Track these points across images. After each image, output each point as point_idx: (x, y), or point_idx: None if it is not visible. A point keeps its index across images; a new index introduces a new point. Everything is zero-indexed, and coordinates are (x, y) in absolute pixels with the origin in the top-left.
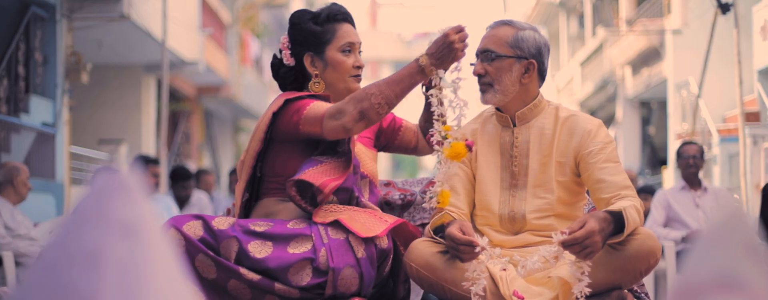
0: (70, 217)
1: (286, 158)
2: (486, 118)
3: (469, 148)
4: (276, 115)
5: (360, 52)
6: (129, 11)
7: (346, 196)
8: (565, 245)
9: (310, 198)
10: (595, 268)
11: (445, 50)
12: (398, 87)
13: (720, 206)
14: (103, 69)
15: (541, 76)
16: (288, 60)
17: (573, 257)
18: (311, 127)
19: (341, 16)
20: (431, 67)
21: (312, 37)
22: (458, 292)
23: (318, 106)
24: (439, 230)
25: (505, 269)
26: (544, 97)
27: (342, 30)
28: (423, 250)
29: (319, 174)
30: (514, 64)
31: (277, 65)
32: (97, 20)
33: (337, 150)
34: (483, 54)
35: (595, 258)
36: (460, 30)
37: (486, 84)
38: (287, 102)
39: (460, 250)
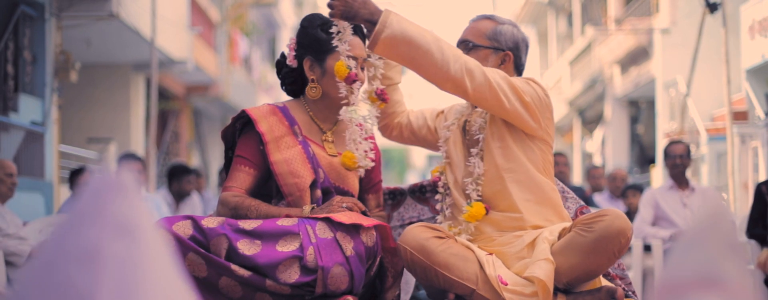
0: (68, 216)
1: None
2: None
3: (487, 210)
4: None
5: (363, 68)
6: (118, 10)
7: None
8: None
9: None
10: (568, 253)
11: (325, 209)
12: (270, 215)
13: (702, 206)
14: (92, 68)
15: (518, 70)
16: (291, 61)
17: (544, 251)
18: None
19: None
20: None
21: (316, 43)
22: (450, 277)
23: (229, 181)
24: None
25: (491, 253)
26: None
27: (349, 42)
28: (418, 234)
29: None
30: (491, 55)
31: (281, 64)
32: (86, 19)
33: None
34: (461, 44)
35: (566, 244)
36: (347, 202)
37: None
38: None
39: None
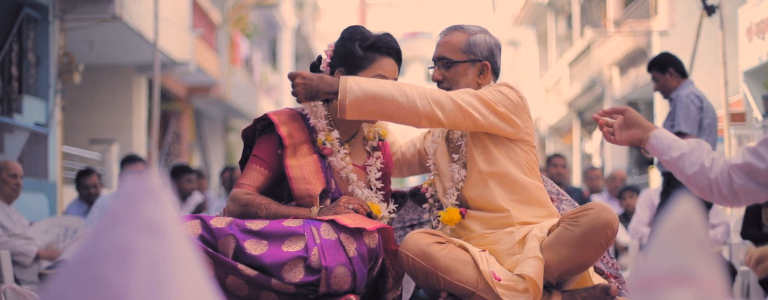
0: (103, 217)
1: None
2: None
3: (462, 215)
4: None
5: None
6: (121, 12)
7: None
8: (290, 76)
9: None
10: (557, 248)
11: (332, 210)
12: (279, 214)
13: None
14: (95, 69)
15: (495, 74)
16: (324, 67)
17: (533, 248)
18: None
19: (386, 49)
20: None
21: (350, 57)
22: (451, 281)
23: (243, 179)
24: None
25: (484, 250)
26: None
27: (381, 62)
28: (418, 240)
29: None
30: (469, 68)
31: (314, 67)
32: (89, 21)
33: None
34: (439, 61)
35: (555, 239)
36: (354, 204)
37: (445, 89)
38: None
39: None
